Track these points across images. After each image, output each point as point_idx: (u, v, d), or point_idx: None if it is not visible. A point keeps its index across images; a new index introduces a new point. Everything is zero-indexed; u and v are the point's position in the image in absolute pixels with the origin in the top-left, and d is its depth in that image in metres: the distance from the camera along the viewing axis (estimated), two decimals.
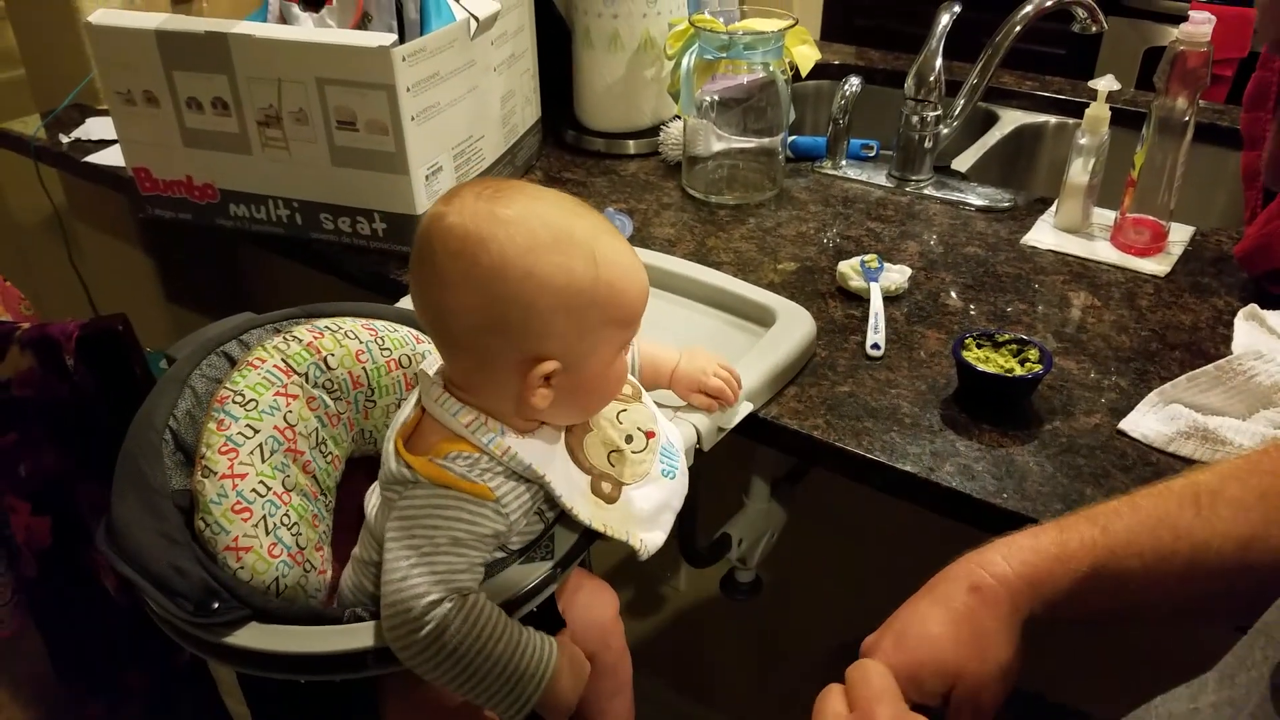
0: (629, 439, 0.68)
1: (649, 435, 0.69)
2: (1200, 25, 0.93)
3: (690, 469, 0.74)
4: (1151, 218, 1.04)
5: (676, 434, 0.72)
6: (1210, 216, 1.20)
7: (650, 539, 0.66)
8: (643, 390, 0.73)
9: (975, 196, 1.19)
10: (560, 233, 0.59)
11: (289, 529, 0.63)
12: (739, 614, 1.25)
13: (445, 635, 0.56)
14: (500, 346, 0.59)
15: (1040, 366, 0.79)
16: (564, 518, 0.65)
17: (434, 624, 0.56)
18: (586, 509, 0.63)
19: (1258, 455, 0.63)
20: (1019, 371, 0.80)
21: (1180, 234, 1.07)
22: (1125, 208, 1.05)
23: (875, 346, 0.90)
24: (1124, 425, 0.79)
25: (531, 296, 0.58)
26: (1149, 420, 0.79)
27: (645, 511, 0.66)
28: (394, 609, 0.57)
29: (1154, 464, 0.75)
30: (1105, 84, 1.03)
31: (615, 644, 0.74)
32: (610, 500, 0.65)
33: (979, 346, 0.83)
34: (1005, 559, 0.60)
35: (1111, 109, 1.04)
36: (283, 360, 0.68)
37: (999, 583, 0.59)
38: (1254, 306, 0.92)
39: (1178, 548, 0.58)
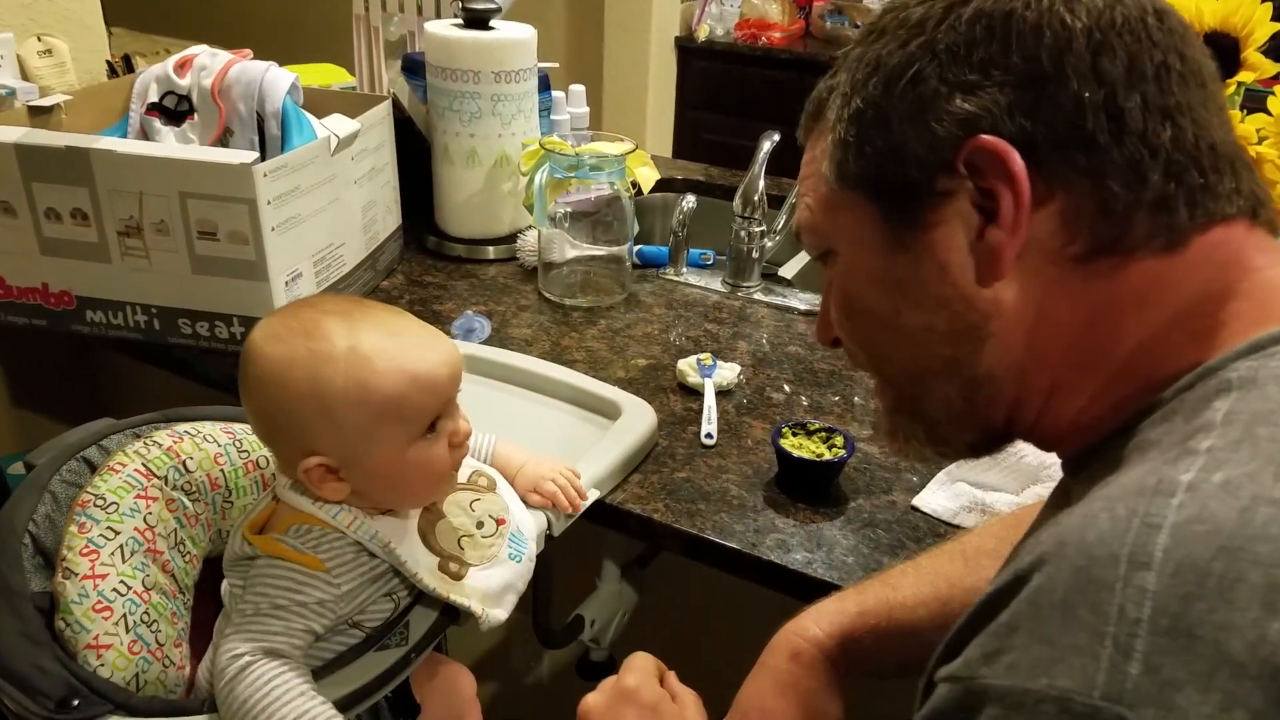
0: (480, 525, 0.74)
1: (499, 522, 0.75)
2: None
3: (543, 554, 0.80)
4: None
5: (530, 521, 0.79)
6: None
7: (493, 614, 0.71)
8: (499, 481, 0.79)
9: (798, 301, 1.33)
10: (318, 343, 0.65)
11: (149, 626, 0.65)
12: None
13: (236, 689, 0.61)
14: (281, 447, 0.68)
15: (844, 451, 0.91)
16: (419, 602, 0.70)
17: (229, 676, 0.61)
18: (432, 581, 0.69)
19: (1010, 515, 0.76)
20: (827, 456, 0.91)
21: None
22: None
23: (709, 436, 1.00)
24: (917, 502, 0.90)
25: (287, 403, 0.65)
26: (938, 497, 0.91)
27: (491, 590, 0.72)
28: (216, 667, 0.62)
29: (942, 534, 0.87)
30: None
31: None
32: (456, 578, 0.70)
33: (794, 435, 0.94)
34: (815, 623, 0.69)
35: None
36: (143, 464, 0.72)
37: (814, 645, 0.68)
38: None
39: (953, 594, 0.69)
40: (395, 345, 0.66)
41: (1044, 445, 0.53)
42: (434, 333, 0.70)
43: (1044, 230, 0.47)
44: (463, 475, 0.76)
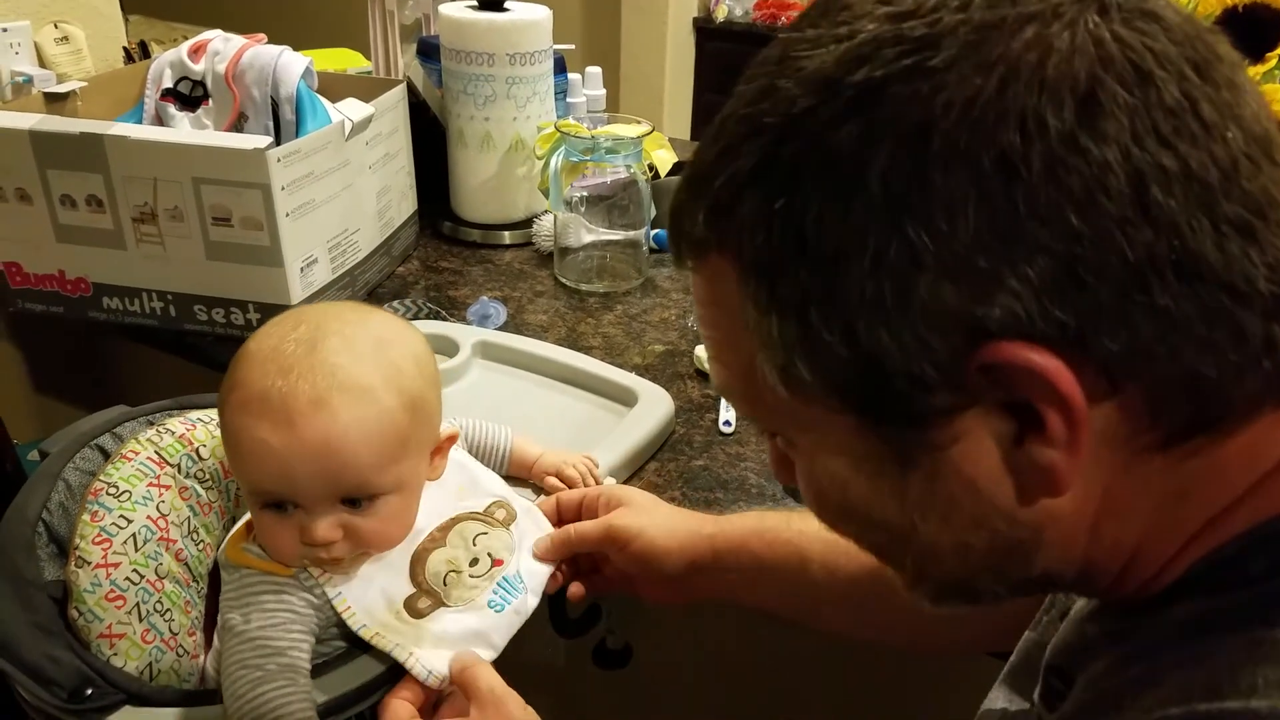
0: (474, 562, 0.67)
1: (496, 563, 0.68)
2: None
3: None
4: None
5: (538, 570, 0.71)
6: None
7: (430, 660, 0.62)
8: (521, 515, 0.72)
9: None
10: (247, 343, 0.62)
11: (162, 615, 0.65)
12: (613, 683, 1.29)
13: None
14: None
15: None
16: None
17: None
18: (374, 616, 0.63)
19: None
20: None
21: None
22: None
23: (727, 424, 0.98)
24: None
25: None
26: None
27: (447, 635, 0.64)
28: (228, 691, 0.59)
29: None
30: None
31: None
32: (417, 616, 0.64)
33: None
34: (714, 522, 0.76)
35: None
36: (156, 452, 0.71)
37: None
38: None
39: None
40: (263, 392, 0.58)
41: (1113, 604, 0.43)
42: (340, 404, 0.57)
43: (1105, 422, 0.34)
44: (481, 504, 0.70)
